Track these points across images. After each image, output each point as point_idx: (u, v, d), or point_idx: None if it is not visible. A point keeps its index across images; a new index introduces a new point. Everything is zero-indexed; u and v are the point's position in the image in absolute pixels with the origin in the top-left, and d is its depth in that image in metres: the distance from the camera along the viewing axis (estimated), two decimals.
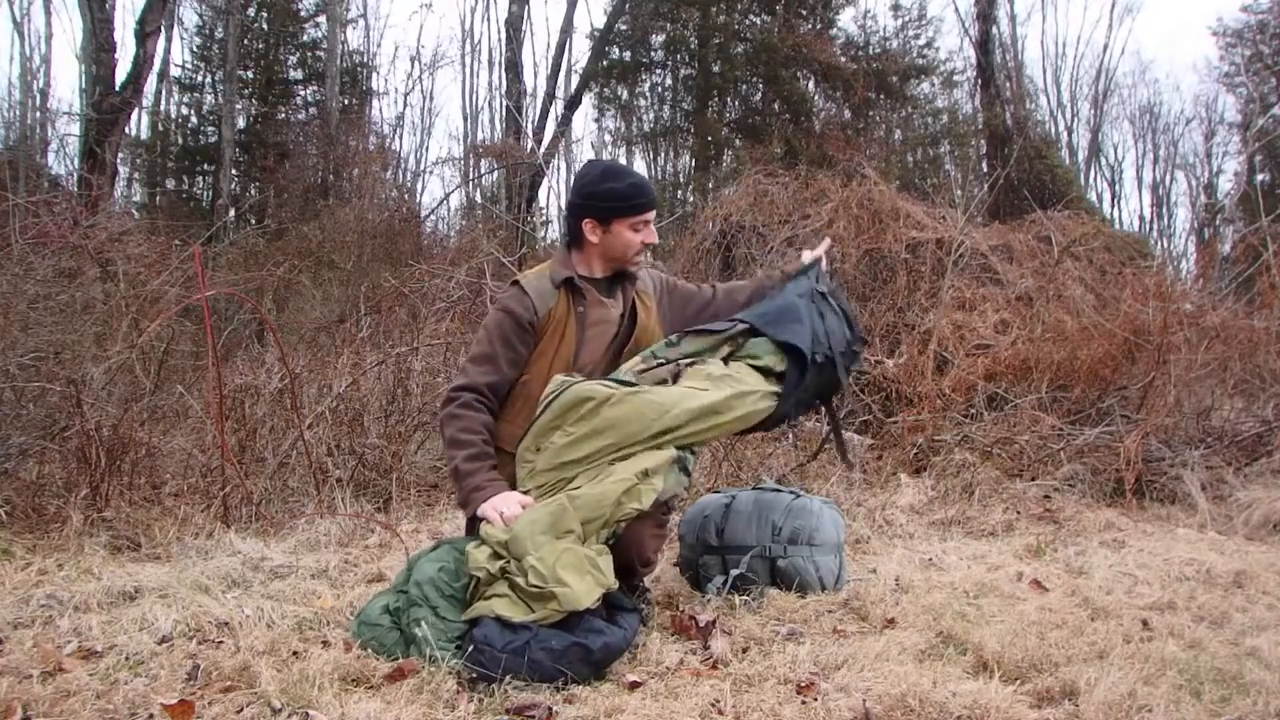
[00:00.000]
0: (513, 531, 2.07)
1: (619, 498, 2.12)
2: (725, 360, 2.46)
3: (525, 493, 2.24)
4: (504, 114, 16.62)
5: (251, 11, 17.89)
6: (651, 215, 2.54)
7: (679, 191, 17.40)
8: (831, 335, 2.54)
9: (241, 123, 17.30)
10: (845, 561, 2.77)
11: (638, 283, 2.58)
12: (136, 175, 17.51)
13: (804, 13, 16.08)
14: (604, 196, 2.49)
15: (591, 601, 1.99)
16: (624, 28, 16.84)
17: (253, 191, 16.56)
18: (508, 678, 1.87)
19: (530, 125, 15.78)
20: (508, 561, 2.04)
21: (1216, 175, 24.76)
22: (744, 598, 2.52)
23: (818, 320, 2.54)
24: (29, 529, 3.18)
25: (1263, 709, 1.82)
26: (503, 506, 2.18)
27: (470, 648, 1.93)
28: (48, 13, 20.74)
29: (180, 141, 18.25)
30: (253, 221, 13.82)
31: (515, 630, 1.93)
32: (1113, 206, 24.87)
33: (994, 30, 15.06)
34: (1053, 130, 22.20)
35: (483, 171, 15.23)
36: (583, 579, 2.00)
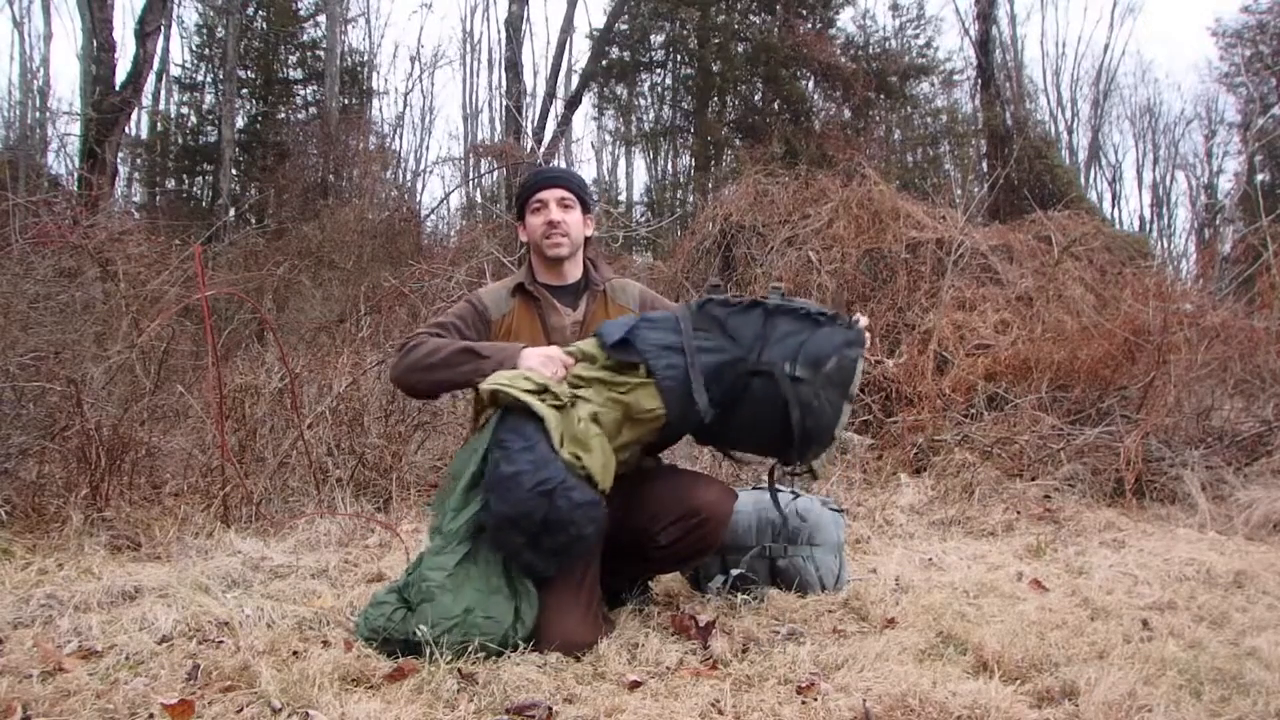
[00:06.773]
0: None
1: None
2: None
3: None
4: (504, 114, 16.61)
5: (251, 11, 17.88)
6: (548, 194, 2.49)
7: (679, 191, 17.41)
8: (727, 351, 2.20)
9: (241, 122, 17.30)
10: (845, 561, 2.77)
11: (615, 295, 2.54)
12: (136, 175, 17.52)
13: (804, 12, 16.08)
14: (515, 196, 2.62)
15: (596, 475, 2.06)
16: (624, 27, 16.84)
17: (253, 191, 16.52)
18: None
19: (530, 125, 15.77)
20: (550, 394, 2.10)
21: (1216, 175, 24.76)
22: (744, 598, 2.52)
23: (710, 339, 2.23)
24: (29, 529, 3.18)
25: (1263, 709, 1.82)
26: (549, 368, 2.17)
27: None
28: (48, 13, 20.72)
29: (180, 141, 18.25)
30: (253, 221, 13.79)
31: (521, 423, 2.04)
32: (1113, 206, 24.87)
33: (994, 30, 15.08)
34: (1053, 130, 22.18)
35: (483, 171, 15.19)
36: (603, 461, 2.09)
